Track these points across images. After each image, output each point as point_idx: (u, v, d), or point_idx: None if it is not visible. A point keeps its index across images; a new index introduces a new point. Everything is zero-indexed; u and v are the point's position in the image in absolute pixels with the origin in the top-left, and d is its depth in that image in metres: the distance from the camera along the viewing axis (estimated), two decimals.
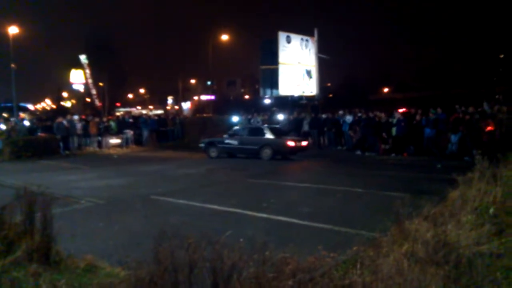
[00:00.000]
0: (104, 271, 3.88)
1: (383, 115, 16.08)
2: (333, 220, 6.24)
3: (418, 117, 14.90)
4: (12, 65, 29.50)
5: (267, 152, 14.22)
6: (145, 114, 29.69)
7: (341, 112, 17.92)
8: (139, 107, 75.12)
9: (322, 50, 25.68)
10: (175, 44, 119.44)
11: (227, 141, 15.24)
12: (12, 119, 22.47)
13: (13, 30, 29.22)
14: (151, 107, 75.51)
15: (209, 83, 56.19)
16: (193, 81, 73.37)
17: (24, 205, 4.15)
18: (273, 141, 14.37)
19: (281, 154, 14.45)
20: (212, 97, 49.19)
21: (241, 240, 4.11)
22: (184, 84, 68.32)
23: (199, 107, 63.88)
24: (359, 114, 17.26)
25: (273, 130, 14.93)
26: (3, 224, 3.93)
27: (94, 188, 9.43)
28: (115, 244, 5.23)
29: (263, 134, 14.71)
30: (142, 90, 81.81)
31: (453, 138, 13.74)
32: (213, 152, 15.45)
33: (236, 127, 16.29)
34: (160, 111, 58.31)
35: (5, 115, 31.36)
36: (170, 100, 79.22)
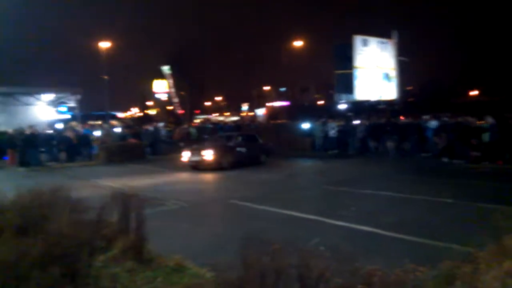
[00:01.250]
0: (191, 271, 4.05)
1: (472, 119, 14.83)
2: (419, 232, 5.87)
3: None
4: (105, 77, 32.44)
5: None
6: (222, 121, 30.74)
7: (425, 116, 16.86)
8: (216, 114, 78.16)
9: (402, 52, 24.57)
10: (250, 52, 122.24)
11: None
12: (105, 126, 24.64)
13: (105, 44, 32.16)
14: (227, 114, 78.12)
15: (282, 89, 56.59)
16: (267, 88, 74.50)
17: (120, 206, 4.50)
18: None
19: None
20: (286, 103, 49.38)
21: (322, 248, 4.06)
22: (259, 91, 69.60)
23: (273, 114, 64.48)
24: (445, 119, 16.11)
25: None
26: (103, 223, 4.30)
27: (178, 191, 9.95)
28: (199, 245, 5.46)
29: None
30: (219, 98, 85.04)
31: None
32: None
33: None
34: (236, 118, 60.02)
35: (98, 122, 34.47)
36: (245, 107, 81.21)
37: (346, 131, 18.73)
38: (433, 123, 15.99)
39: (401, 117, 19.58)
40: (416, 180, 11.24)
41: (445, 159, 14.74)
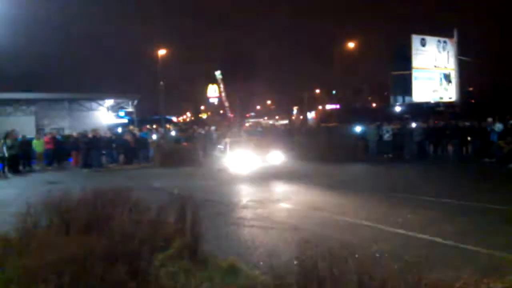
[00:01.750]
0: (244, 273, 4.08)
1: None
2: (483, 241, 5.49)
3: None
4: (161, 83, 33.78)
5: None
6: (272, 124, 30.80)
7: (489, 119, 15.79)
8: (266, 117, 78.55)
9: (463, 52, 23.25)
10: (301, 54, 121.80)
11: None
12: (161, 129, 25.65)
13: (161, 51, 33.51)
14: (277, 117, 78.23)
15: (334, 92, 55.71)
16: (318, 90, 73.68)
17: (177, 207, 4.65)
18: None
19: None
20: (337, 106, 48.53)
21: (378, 255, 3.91)
22: (310, 94, 68.99)
23: (324, 116, 63.67)
24: (511, 122, 15.02)
25: None
26: (161, 223, 4.45)
27: (231, 193, 10.10)
28: (250, 247, 5.49)
29: None
30: (269, 101, 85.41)
31: None
32: None
33: None
34: (285, 121, 59.94)
35: (154, 126, 35.96)
36: (295, 110, 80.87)
37: (402, 135, 18.00)
38: (498, 126, 14.95)
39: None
40: (477, 187, 10.55)
41: (511, 165, 13.73)
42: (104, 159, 17.99)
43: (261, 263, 4.45)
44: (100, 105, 28.42)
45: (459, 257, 5.02)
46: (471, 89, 48.27)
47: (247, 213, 7.96)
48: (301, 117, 71.20)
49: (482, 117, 16.97)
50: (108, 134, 19.35)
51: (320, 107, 71.42)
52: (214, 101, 62.03)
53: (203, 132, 20.21)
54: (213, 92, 60.62)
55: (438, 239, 5.70)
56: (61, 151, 18.20)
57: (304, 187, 11.16)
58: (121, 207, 4.85)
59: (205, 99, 65.51)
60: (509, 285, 3.63)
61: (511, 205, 7.65)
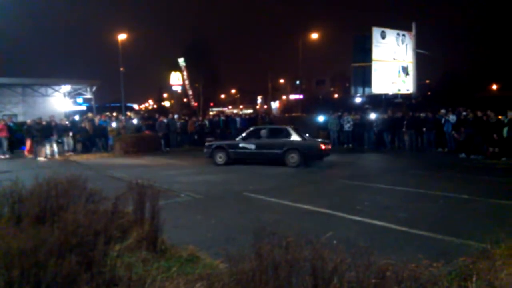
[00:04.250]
0: (204, 262, 4.09)
1: (492, 114, 14.52)
2: (434, 227, 5.79)
3: None
4: (121, 69, 32.74)
5: (294, 158, 12.53)
6: (235, 113, 30.74)
7: (443, 111, 16.53)
8: (230, 107, 78.27)
9: (420, 45, 24.08)
10: (264, 44, 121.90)
11: (241, 144, 13.22)
12: (122, 118, 24.94)
13: (121, 36, 32.38)
14: (241, 106, 78.16)
15: (297, 82, 56.30)
16: (282, 80, 74.24)
17: (136, 197, 4.56)
18: (301, 144, 12.63)
19: (310, 159, 12.74)
20: (301, 96, 49.14)
21: (335, 242, 4.03)
22: (273, 84, 69.36)
23: (288, 106, 64.34)
24: (464, 113, 15.80)
25: (298, 131, 13.11)
26: (119, 213, 4.36)
27: (191, 183, 10.02)
28: (212, 237, 5.50)
29: (288, 135, 12.89)
30: (233, 91, 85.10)
31: None
32: (221, 158, 13.43)
33: (252, 128, 14.33)
34: (250, 111, 59.99)
35: (114, 114, 34.90)
36: (259, 99, 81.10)
37: (362, 125, 18.53)
38: (452, 118, 15.71)
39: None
40: (432, 176, 11.08)
41: (463, 155, 14.50)
42: (60, 148, 17.30)
43: (223, 251, 4.47)
44: (56, 91, 27.16)
45: (411, 242, 5.27)
46: (427, 82, 50.29)
47: (210, 202, 7.94)
48: (265, 106, 71.55)
49: (437, 109, 17.77)
50: (64, 121, 18.57)
51: (284, 97, 72.06)
52: (177, 88, 60.89)
53: (165, 120, 19.84)
54: (176, 79, 59.44)
55: (393, 226, 5.95)
56: (14, 138, 17.33)
57: (263, 175, 11.28)
58: (76, 197, 4.70)
59: (168, 87, 64.21)
60: (456, 269, 3.87)
61: (463, 193, 8.11)
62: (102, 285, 2.75)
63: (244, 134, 13.64)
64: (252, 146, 13.09)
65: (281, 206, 7.41)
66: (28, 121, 17.56)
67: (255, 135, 13.44)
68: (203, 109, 52.69)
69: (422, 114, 17.52)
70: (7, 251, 2.93)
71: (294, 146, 12.61)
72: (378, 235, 5.59)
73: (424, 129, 16.69)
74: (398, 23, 24.97)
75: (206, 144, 14.26)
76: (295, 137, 12.77)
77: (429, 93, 46.37)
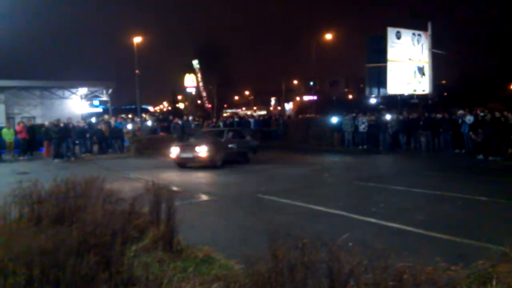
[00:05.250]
0: (220, 262, 4.11)
1: (510, 115, 14.21)
2: (452, 230, 5.70)
3: None
4: (136, 71, 33.10)
5: None
6: (248, 115, 30.79)
7: (460, 111, 16.24)
8: (244, 108, 78.40)
9: (436, 45, 23.73)
10: (279, 45, 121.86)
11: None
12: (137, 119, 25.22)
13: (137, 39, 32.75)
14: (255, 108, 78.22)
15: (311, 83, 56.08)
16: (295, 81, 74.02)
17: (152, 197, 4.61)
18: None
19: None
20: (315, 97, 48.91)
21: (350, 244, 4.01)
22: (287, 85, 69.26)
23: (301, 108, 64.08)
24: (482, 114, 15.50)
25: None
26: (135, 213, 4.41)
27: (206, 184, 10.09)
28: (226, 238, 5.52)
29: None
30: (247, 92, 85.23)
31: None
32: None
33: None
34: (263, 112, 60.01)
35: (130, 116, 35.30)
36: (273, 101, 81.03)
37: (377, 126, 18.34)
38: (469, 118, 15.43)
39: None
40: (449, 177, 10.91)
41: (480, 156, 14.23)
42: (77, 149, 17.60)
43: (238, 252, 4.48)
44: (73, 93, 27.63)
45: (428, 245, 5.19)
46: (444, 82, 49.44)
47: (224, 203, 7.97)
48: (279, 108, 71.48)
49: (454, 109, 17.48)
50: (82, 123, 18.89)
51: (297, 98, 71.84)
52: (192, 90, 61.31)
53: (180, 122, 20.01)
54: (190, 81, 59.87)
55: (409, 228, 5.87)
56: (33, 140, 17.70)
57: (276, 176, 11.26)
58: (94, 198, 4.78)
59: (182, 89, 64.69)
60: (475, 272, 3.80)
61: (481, 195, 7.97)
62: (120, 285, 2.79)
63: None
64: None
65: (294, 208, 7.39)
66: (46, 123, 17.91)
67: None
68: (217, 110, 52.90)
69: (438, 115, 17.25)
70: (27, 250, 3.00)
71: None
72: (394, 237, 5.53)
73: (440, 130, 16.43)
74: (414, 23, 24.64)
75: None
76: None
77: (445, 93, 45.57)
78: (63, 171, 12.11)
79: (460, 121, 15.79)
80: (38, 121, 23.37)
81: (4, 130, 17.04)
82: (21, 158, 16.67)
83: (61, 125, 16.63)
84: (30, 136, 17.24)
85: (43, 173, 11.13)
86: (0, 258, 3.13)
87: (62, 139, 16.20)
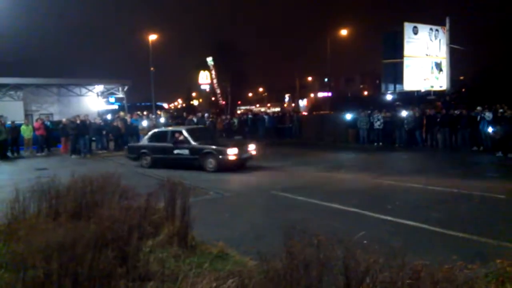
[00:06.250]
0: (234, 258, 4.12)
1: None
2: (469, 228, 5.61)
3: None
4: (152, 69, 33.35)
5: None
6: (262, 112, 30.78)
7: (479, 108, 15.90)
8: (257, 105, 78.35)
9: (454, 40, 23.29)
10: (293, 42, 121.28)
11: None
12: (152, 116, 25.45)
13: (152, 37, 32.98)
14: (269, 105, 78.09)
15: (326, 80, 55.69)
16: (310, 78, 73.58)
17: (167, 194, 4.65)
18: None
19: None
20: (329, 94, 48.53)
21: (365, 242, 3.97)
22: (301, 82, 68.88)
23: (316, 105, 63.70)
24: (501, 110, 15.14)
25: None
26: (151, 209, 4.46)
27: (220, 180, 10.11)
28: (240, 234, 5.54)
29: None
30: (260, 89, 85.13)
31: None
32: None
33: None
34: (277, 109, 59.86)
35: (145, 113, 35.64)
36: (287, 97, 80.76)
37: (393, 123, 18.10)
38: (488, 115, 15.09)
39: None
40: (466, 175, 10.71)
41: (499, 154, 13.93)
42: (94, 146, 17.85)
43: (252, 249, 4.49)
44: (90, 90, 28.06)
45: (445, 243, 5.12)
46: (462, 78, 48.47)
47: (238, 200, 7.99)
48: (293, 104, 71.21)
49: (472, 106, 17.11)
50: (98, 120, 19.15)
51: (312, 95, 71.44)
52: (206, 87, 61.56)
53: (195, 119, 20.11)
54: (204, 78, 60.11)
55: (425, 226, 5.80)
56: (50, 137, 18.04)
57: (291, 173, 11.23)
58: (111, 193, 4.84)
59: (196, 86, 65.02)
60: (492, 271, 3.72)
61: (500, 193, 7.80)
62: (137, 280, 2.82)
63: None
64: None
65: (309, 205, 7.36)
66: (64, 120, 18.21)
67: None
68: (231, 107, 53.01)
69: (456, 111, 16.92)
70: (46, 245, 3.06)
71: None
72: (410, 235, 5.47)
73: (458, 126, 16.12)
74: (431, 18, 24.24)
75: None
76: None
77: (463, 89, 44.69)
78: (80, 167, 12.33)
79: (478, 117, 15.46)
80: (56, 117, 23.81)
81: (23, 127, 17.40)
82: (39, 154, 17.00)
83: (78, 121, 16.89)
84: (47, 133, 17.57)
85: (61, 169, 11.32)
86: (19, 252, 3.21)
87: (79, 135, 16.45)
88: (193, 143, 11.94)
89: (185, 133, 12.24)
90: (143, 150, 12.87)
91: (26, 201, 4.93)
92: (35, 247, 3.08)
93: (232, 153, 11.39)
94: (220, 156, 11.36)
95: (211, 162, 11.51)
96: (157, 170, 11.42)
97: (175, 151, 12.09)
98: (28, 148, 17.32)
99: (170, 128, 14.07)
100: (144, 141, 13.40)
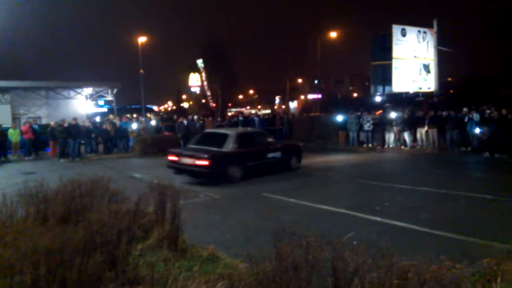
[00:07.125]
0: (224, 261, 4.12)
1: None
2: (456, 228, 5.69)
3: None
4: (141, 71, 33.15)
5: None
6: (252, 114, 30.79)
7: (466, 109, 16.14)
8: (248, 107, 78.40)
9: (442, 42, 23.58)
10: (283, 44, 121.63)
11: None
12: (142, 119, 25.27)
13: (141, 39, 32.77)
14: (259, 107, 78.21)
15: (316, 82, 55.99)
16: (300, 80, 73.92)
17: (156, 197, 4.63)
18: None
19: None
20: (319, 96, 48.80)
21: (355, 243, 4.00)
22: (291, 84, 69.15)
23: (306, 106, 64.00)
24: (488, 111, 15.38)
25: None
26: (141, 213, 4.43)
27: (211, 183, 10.08)
28: (231, 236, 5.53)
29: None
30: (251, 91, 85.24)
31: None
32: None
33: None
34: (268, 111, 59.97)
35: (135, 115, 35.41)
36: (277, 99, 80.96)
37: (382, 124, 18.26)
38: (476, 116, 15.32)
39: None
40: (454, 175, 10.85)
41: (486, 154, 14.14)
42: (82, 149, 17.67)
43: (241, 251, 4.49)
44: (79, 93, 27.77)
45: (433, 243, 5.18)
46: (449, 79, 49.12)
47: (229, 202, 7.98)
48: (283, 106, 71.41)
49: (460, 107, 17.34)
50: (87, 123, 18.96)
51: (302, 96, 71.76)
52: (196, 90, 61.47)
53: (185, 121, 20.03)
54: (194, 81, 60.05)
55: (414, 226, 5.86)
56: (38, 140, 17.80)
57: (279, 175, 11.25)
58: (99, 197, 4.81)
59: (187, 88, 64.86)
60: (479, 270, 3.78)
61: (486, 193, 7.92)
62: (126, 284, 2.80)
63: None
64: None
65: (299, 207, 7.39)
66: (52, 123, 17.99)
67: None
68: (222, 109, 52.94)
69: (444, 113, 17.14)
70: (34, 250, 3.02)
71: None
72: (399, 236, 5.52)
73: (446, 127, 16.33)
74: (419, 20, 24.51)
75: None
76: None
77: (451, 91, 45.29)
78: (69, 171, 12.19)
79: (466, 119, 15.68)
80: (44, 121, 23.52)
81: (10, 131, 17.14)
82: (26, 158, 16.76)
83: (65, 125, 16.69)
84: (35, 136, 17.34)
85: (49, 173, 11.20)
86: (7, 257, 3.16)
87: (68, 139, 16.26)
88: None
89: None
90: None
91: (14, 206, 4.86)
92: (22, 252, 3.04)
93: None
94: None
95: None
96: (146, 174, 11.35)
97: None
98: (15, 152, 17.07)
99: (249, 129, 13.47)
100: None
